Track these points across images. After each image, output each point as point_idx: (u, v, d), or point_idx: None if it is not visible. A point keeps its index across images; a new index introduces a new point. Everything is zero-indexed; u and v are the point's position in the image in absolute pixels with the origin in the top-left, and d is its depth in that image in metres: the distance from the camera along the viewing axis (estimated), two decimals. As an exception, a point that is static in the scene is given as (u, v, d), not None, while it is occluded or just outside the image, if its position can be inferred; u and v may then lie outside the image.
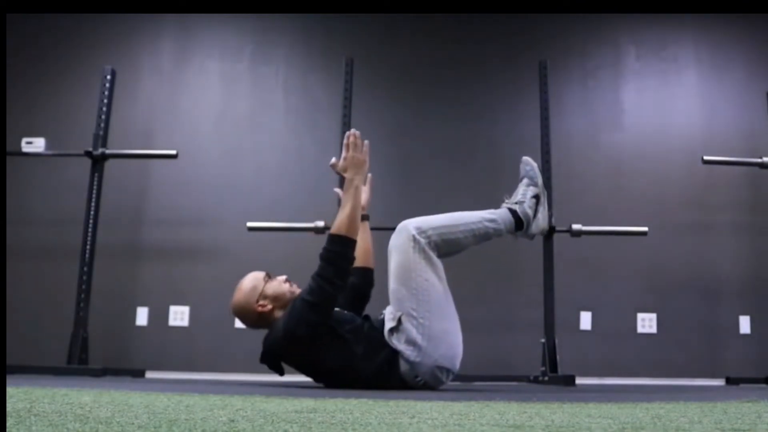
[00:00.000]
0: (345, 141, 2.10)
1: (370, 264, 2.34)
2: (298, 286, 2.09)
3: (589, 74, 4.09)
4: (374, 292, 2.35)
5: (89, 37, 4.11)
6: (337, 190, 2.51)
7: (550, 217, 2.61)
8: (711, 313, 3.79)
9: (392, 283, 2.03)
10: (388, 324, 2.00)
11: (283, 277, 2.14)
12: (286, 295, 2.08)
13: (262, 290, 2.08)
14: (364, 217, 2.35)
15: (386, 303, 2.06)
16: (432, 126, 3.99)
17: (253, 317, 2.09)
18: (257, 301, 2.07)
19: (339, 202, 3.16)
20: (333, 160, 2.12)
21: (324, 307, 1.96)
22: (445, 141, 3.97)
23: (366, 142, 2.11)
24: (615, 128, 4.02)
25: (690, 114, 4.03)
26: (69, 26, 4.10)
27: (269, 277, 2.12)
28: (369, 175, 2.33)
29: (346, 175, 2.08)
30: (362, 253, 2.25)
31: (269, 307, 2.07)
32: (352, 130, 2.11)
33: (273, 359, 2.07)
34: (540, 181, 2.23)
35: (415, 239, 2.02)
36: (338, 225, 2.01)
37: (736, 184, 3.91)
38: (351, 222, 2.01)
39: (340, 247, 1.98)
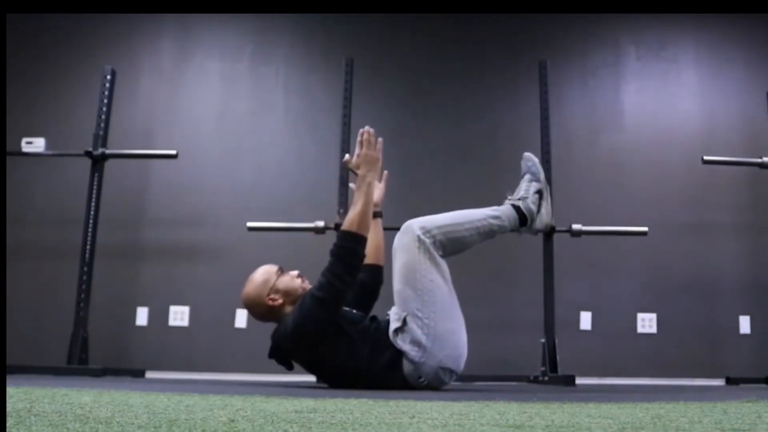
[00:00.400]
0: (359, 138, 2.09)
1: (381, 261, 2.33)
2: (310, 283, 2.09)
3: (589, 74, 4.09)
4: (381, 291, 2.34)
5: (89, 37, 4.11)
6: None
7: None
8: (711, 313, 3.79)
9: (397, 284, 2.03)
10: (393, 324, 2.00)
11: (296, 272, 2.14)
12: (297, 291, 2.08)
13: (273, 284, 2.08)
14: (377, 214, 2.33)
15: (392, 303, 2.06)
16: (432, 126, 3.99)
17: (263, 310, 2.09)
18: (268, 295, 2.07)
19: (340, 197, 3.18)
20: (346, 156, 2.12)
21: (333, 304, 1.96)
22: (445, 141, 3.97)
23: (380, 139, 2.11)
24: (615, 128, 4.02)
25: (690, 114, 4.03)
26: (69, 26, 4.10)
27: (282, 271, 2.12)
28: (385, 172, 2.33)
29: (359, 172, 2.07)
30: (373, 250, 2.25)
31: (280, 301, 2.07)
32: (366, 128, 2.10)
33: (281, 354, 2.07)
34: (542, 176, 2.22)
35: (420, 239, 2.02)
36: (349, 221, 2.01)
37: (736, 184, 3.91)
38: (362, 219, 2.01)
39: (350, 243, 1.99)
